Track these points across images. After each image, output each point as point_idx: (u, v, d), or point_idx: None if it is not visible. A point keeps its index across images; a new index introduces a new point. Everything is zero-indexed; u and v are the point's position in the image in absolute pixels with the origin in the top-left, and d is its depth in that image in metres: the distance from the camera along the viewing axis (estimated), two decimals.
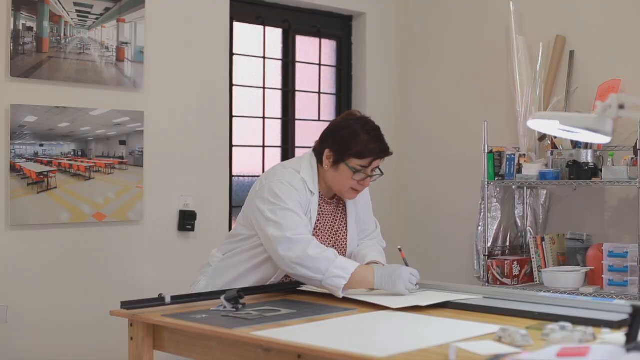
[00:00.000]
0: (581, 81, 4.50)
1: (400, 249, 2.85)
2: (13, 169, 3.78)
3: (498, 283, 4.39)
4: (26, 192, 3.81)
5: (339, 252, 2.78)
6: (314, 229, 2.80)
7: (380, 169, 2.80)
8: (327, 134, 2.82)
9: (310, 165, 2.82)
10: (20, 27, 3.79)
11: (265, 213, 2.70)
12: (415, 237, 5.24)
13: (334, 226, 2.90)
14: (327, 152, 2.77)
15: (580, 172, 4.16)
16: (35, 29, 3.84)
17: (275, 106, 5.04)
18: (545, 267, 4.34)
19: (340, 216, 2.92)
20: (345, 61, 5.36)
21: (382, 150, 2.75)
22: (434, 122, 5.25)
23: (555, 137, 4.28)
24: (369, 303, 2.49)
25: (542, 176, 4.28)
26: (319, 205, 2.83)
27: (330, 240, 2.88)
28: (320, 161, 2.81)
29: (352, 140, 2.72)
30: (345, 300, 2.56)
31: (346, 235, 2.91)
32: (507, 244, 4.63)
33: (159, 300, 2.47)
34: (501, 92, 4.84)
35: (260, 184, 2.81)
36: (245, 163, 4.84)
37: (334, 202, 2.91)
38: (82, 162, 4.00)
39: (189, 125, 4.40)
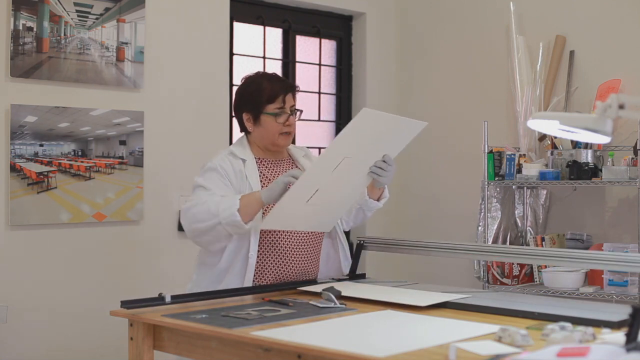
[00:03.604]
0: (581, 81, 4.51)
1: None
2: (13, 169, 3.78)
3: (498, 283, 4.40)
4: (26, 192, 3.81)
5: None
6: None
7: (297, 109, 2.96)
8: (236, 102, 3.00)
9: (240, 139, 2.99)
10: (20, 27, 3.79)
11: None
12: (415, 237, 5.22)
13: None
14: (245, 115, 2.93)
15: (580, 172, 4.16)
16: (35, 29, 3.84)
17: None
18: (545, 267, 4.34)
19: None
20: (345, 61, 5.36)
21: (287, 86, 2.93)
22: (434, 122, 5.20)
23: (555, 137, 4.29)
24: (369, 303, 2.49)
25: (542, 176, 4.28)
26: (260, 169, 2.88)
27: None
28: (247, 131, 2.95)
29: (259, 91, 2.89)
30: (346, 300, 2.56)
31: None
32: (507, 244, 4.63)
33: (159, 300, 2.47)
34: (501, 92, 4.84)
35: None
36: None
37: (283, 163, 2.96)
38: (82, 162, 4.01)
39: (189, 125, 4.40)
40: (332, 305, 2.46)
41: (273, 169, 2.92)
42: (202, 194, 2.79)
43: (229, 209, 2.66)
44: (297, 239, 2.86)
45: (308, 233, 2.89)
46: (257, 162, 2.91)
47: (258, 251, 2.80)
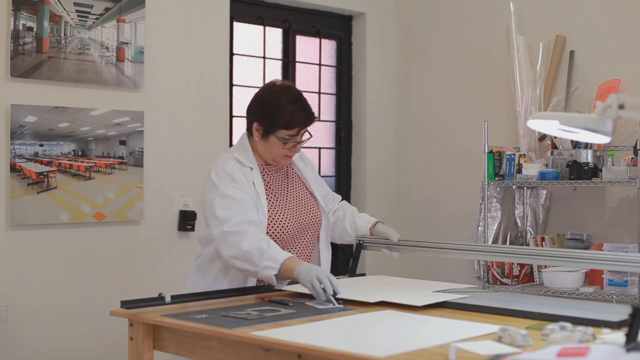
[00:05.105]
0: (581, 81, 4.51)
1: None
2: (13, 169, 3.78)
3: (498, 283, 4.40)
4: (26, 192, 3.81)
5: (313, 218, 2.88)
6: (270, 199, 2.82)
7: (309, 132, 2.86)
8: (253, 107, 2.86)
9: (242, 143, 2.89)
10: (20, 27, 3.79)
11: (206, 206, 2.77)
12: (415, 237, 5.21)
13: (297, 193, 2.90)
14: (255, 125, 2.82)
15: (580, 172, 4.16)
16: (35, 29, 3.84)
17: None
18: (545, 267, 4.34)
19: (298, 182, 2.93)
20: (345, 61, 5.36)
21: (307, 118, 2.80)
22: (434, 122, 5.25)
23: (555, 137, 4.29)
24: (369, 303, 2.49)
25: (542, 176, 4.28)
26: (263, 176, 2.85)
27: (302, 208, 2.88)
28: (252, 134, 2.88)
29: (279, 113, 2.76)
30: (345, 300, 2.56)
31: (316, 201, 2.95)
32: (507, 244, 4.63)
33: (159, 300, 2.48)
34: (501, 92, 4.84)
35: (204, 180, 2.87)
36: None
37: (282, 168, 2.94)
38: (82, 162, 4.01)
39: (189, 125, 4.40)
40: (331, 305, 2.46)
41: (274, 176, 2.90)
42: (232, 205, 2.70)
43: (268, 269, 2.60)
44: (297, 246, 2.85)
45: (308, 238, 2.88)
46: (260, 170, 2.87)
47: None
